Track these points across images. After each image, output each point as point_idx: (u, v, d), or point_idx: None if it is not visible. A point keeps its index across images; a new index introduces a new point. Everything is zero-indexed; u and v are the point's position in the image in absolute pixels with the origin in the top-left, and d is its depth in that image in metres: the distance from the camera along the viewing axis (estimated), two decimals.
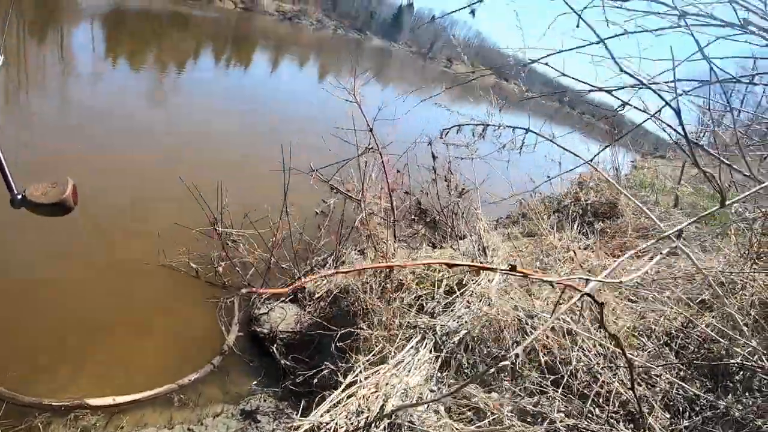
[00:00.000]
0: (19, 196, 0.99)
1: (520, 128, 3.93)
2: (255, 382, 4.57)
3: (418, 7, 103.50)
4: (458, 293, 3.71)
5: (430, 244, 6.25)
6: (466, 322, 3.30)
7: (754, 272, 4.17)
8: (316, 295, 4.93)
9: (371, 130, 4.25)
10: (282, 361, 4.57)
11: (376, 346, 3.62)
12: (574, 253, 4.58)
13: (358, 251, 5.69)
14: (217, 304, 5.13)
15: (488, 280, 3.69)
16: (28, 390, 3.89)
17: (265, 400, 4.39)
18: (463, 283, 4.06)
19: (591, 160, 3.53)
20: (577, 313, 3.54)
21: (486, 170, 6.65)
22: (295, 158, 5.06)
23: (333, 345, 3.98)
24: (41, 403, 3.81)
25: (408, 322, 3.57)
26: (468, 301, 3.50)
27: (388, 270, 4.39)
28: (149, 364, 4.56)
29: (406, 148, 6.02)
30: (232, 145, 10.77)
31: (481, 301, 3.47)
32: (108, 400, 3.96)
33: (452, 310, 3.54)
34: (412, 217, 6.75)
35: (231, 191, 5.51)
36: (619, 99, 3.29)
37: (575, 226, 6.62)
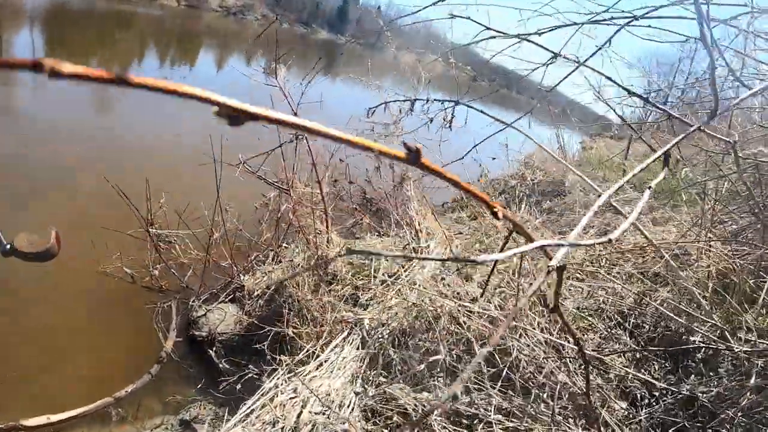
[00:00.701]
0: (8, 246, 1.07)
1: (449, 101, 3.76)
2: (195, 389, 4.35)
3: None
4: (390, 282, 3.51)
5: (376, 233, 6.07)
6: (396, 313, 3.09)
7: (710, 241, 4.01)
8: (255, 293, 4.72)
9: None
10: (221, 365, 4.35)
11: (307, 344, 3.42)
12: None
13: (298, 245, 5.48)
14: (154, 309, 4.92)
15: (421, 267, 3.50)
16: None
17: (204, 408, 4.20)
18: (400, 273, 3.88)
19: (520, 131, 3.34)
20: (515, 295, 3.35)
21: (428, 153, 6.47)
22: (228, 152, 4.82)
23: (263, 344, 3.77)
24: None
25: (337, 317, 3.36)
26: (399, 291, 3.30)
27: (323, 262, 4.20)
28: (85, 377, 4.31)
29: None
30: (162, 142, 10.46)
31: (412, 290, 3.27)
32: (43, 419, 3.71)
33: (383, 302, 3.35)
34: (355, 206, 6.54)
35: (166, 190, 5.27)
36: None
37: (522, 207, 6.45)
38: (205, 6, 74.14)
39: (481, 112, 3.32)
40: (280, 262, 5.22)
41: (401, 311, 3.08)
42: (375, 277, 3.90)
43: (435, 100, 3.82)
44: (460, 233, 4.63)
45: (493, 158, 6.57)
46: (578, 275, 4.18)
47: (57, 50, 22.04)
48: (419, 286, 3.26)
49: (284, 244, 5.40)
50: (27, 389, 4.07)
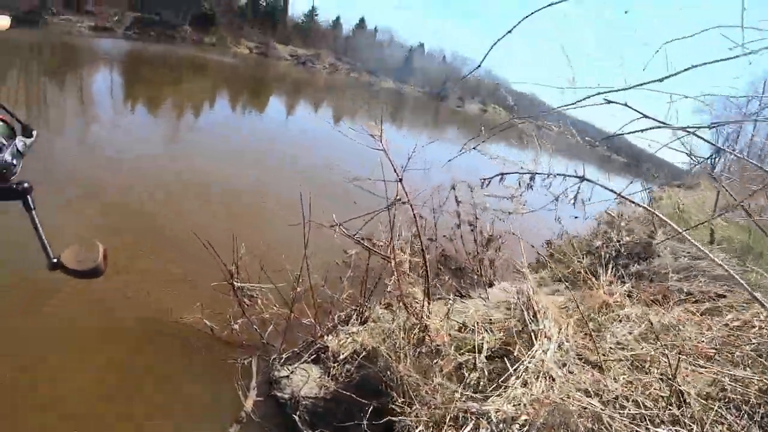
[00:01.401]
0: (55, 260, 1.00)
1: (573, 176, 3.53)
2: None
3: (429, 48, 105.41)
4: (507, 365, 3.25)
5: (457, 294, 5.84)
6: (524, 405, 2.83)
7: None
8: (341, 356, 4.50)
9: (401, 180, 3.85)
10: None
11: (415, 428, 3.17)
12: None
13: (384, 305, 5.26)
14: (234, 365, 4.75)
15: (542, 351, 3.23)
16: None
17: None
18: (508, 347, 3.63)
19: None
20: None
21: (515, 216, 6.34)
22: (316, 208, 4.67)
23: (363, 421, 3.52)
24: None
25: (457, 406, 3.11)
26: (525, 379, 3.03)
27: (421, 332, 3.97)
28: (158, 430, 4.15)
29: (430, 192, 5.70)
30: (248, 194, 10.49)
31: (539, 379, 3.01)
32: None
33: (503, 387, 3.09)
34: (439, 266, 6.36)
35: (247, 243, 5.14)
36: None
37: (609, 270, 6.12)
38: (275, 54, 77.14)
39: (616, 193, 3.12)
40: (365, 323, 5.01)
41: (532, 403, 2.83)
42: (480, 351, 3.66)
43: (557, 174, 3.60)
44: (565, 307, 4.36)
45: (575, 217, 6.35)
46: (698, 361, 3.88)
47: (135, 89, 22.78)
48: (545, 374, 3.01)
49: (369, 305, 5.20)
50: None
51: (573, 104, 3.48)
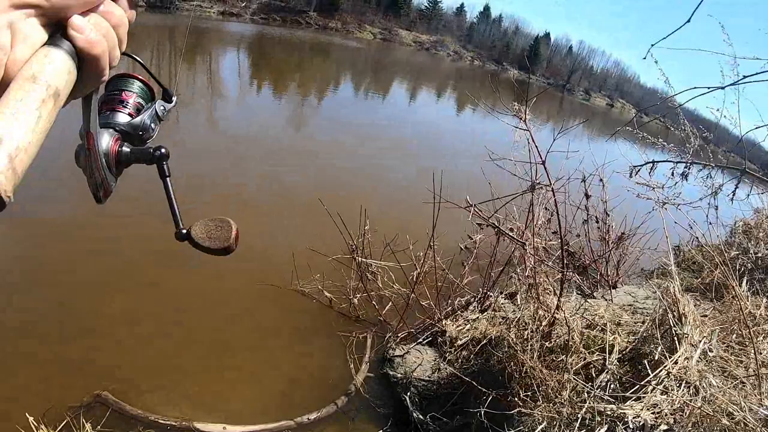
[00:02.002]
0: (184, 231, 0.92)
1: (734, 168, 3.23)
2: None
3: (555, 36, 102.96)
4: (648, 369, 3.03)
5: (579, 292, 5.57)
6: (666, 413, 2.62)
7: None
8: (459, 342, 4.39)
9: (543, 163, 3.67)
10: (414, 414, 4.03)
11: (538, 424, 3.02)
12: None
13: (506, 295, 5.10)
14: (349, 338, 4.76)
15: (685, 358, 2.99)
16: (136, 401, 3.75)
17: None
18: (643, 352, 3.39)
19: None
20: None
21: (645, 211, 6.00)
22: (447, 190, 4.59)
23: (479, 410, 3.39)
24: (147, 418, 3.65)
25: (581, 401, 2.93)
26: (665, 386, 2.81)
27: (550, 325, 3.80)
28: (266, 393, 4.25)
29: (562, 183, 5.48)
30: (375, 172, 10.64)
31: (681, 386, 2.78)
32: (218, 428, 3.70)
33: (639, 392, 2.88)
34: (566, 262, 6.10)
35: (373, 219, 5.13)
36: None
37: (743, 284, 5.59)
38: (398, 40, 78.27)
39: None
40: (485, 311, 4.87)
41: (675, 413, 2.62)
42: (611, 352, 3.45)
43: (716, 166, 3.31)
44: (704, 316, 4.03)
45: (710, 223, 5.91)
46: None
47: (261, 71, 23.66)
48: (689, 382, 2.78)
49: (490, 293, 5.05)
50: (207, 393, 4.06)
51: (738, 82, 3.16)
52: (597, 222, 6.43)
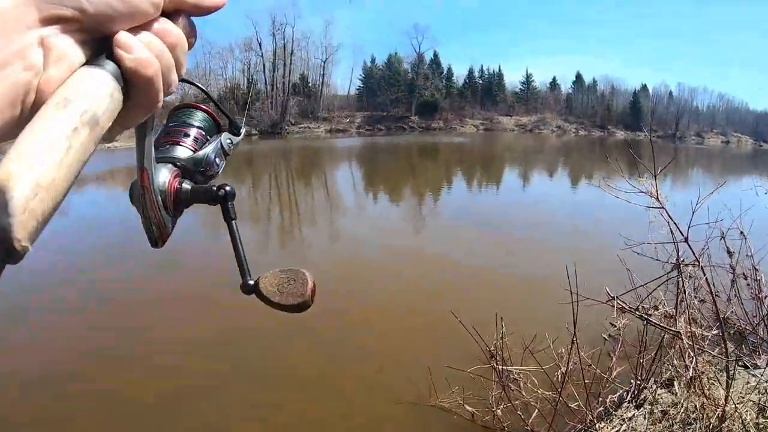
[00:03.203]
0: (251, 282, 0.81)
1: None
2: None
3: (653, 86, 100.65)
4: None
5: (741, 364, 4.93)
6: None
7: None
8: None
9: (686, 240, 3.33)
10: None
11: None
12: None
13: (663, 383, 4.59)
14: None
15: None
16: None
17: None
18: None
19: None
20: None
21: None
22: (580, 278, 4.28)
23: None
24: None
25: None
26: None
27: (718, 420, 3.33)
28: None
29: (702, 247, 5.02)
30: (502, 269, 10.36)
31: None
32: None
33: None
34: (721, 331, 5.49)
35: (506, 320, 4.86)
36: None
37: None
38: (500, 127, 80.00)
39: None
40: (640, 406, 4.39)
41: None
42: None
43: None
44: None
45: None
46: None
47: (374, 180, 24.65)
48: None
49: (646, 384, 4.56)
50: None
51: None
52: (746, 279, 5.81)
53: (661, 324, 3.78)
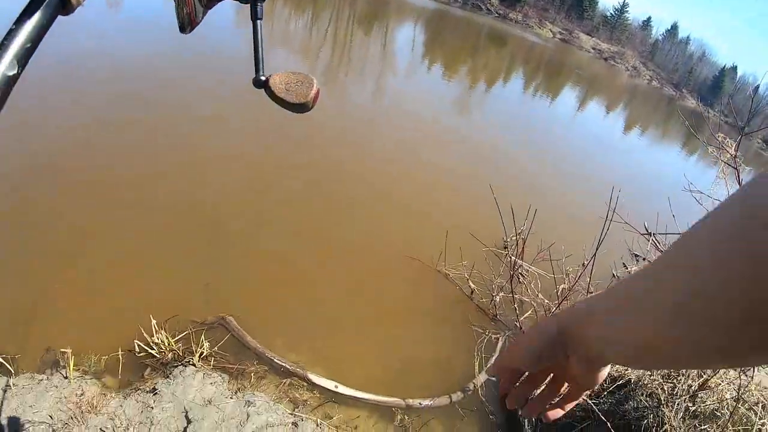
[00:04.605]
0: (263, 78, 0.86)
1: None
2: None
3: (743, 71, 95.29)
4: None
5: None
6: None
7: None
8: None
9: None
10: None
11: None
12: None
13: None
14: (481, 335, 4.60)
15: None
16: (257, 335, 3.85)
17: None
18: None
19: None
20: None
21: None
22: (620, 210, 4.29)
23: None
24: (264, 353, 3.74)
25: None
26: None
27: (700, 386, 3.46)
28: (385, 365, 4.20)
29: None
30: (541, 175, 10.39)
31: None
32: (330, 384, 3.70)
33: None
34: None
35: (536, 220, 4.90)
36: None
37: None
38: (577, 43, 75.92)
39: None
40: None
41: None
42: None
43: None
44: None
45: None
46: None
47: (434, 50, 23.79)
48: None
49: None
50: (325, 349, 4.08)
51: None
52: None
53: None
